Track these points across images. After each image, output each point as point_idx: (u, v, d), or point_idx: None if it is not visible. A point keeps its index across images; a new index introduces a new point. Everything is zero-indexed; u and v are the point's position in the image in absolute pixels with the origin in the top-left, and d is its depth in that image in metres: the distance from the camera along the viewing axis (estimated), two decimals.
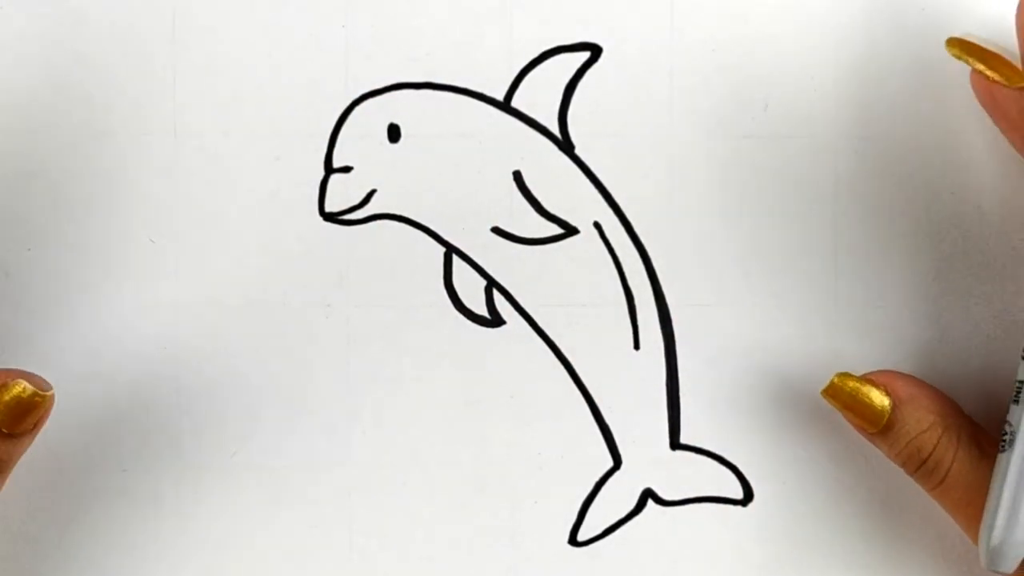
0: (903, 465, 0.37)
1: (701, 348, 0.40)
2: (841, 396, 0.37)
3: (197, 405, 0.39)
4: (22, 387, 0.35)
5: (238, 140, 0.39)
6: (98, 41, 0.38)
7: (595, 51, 0.39)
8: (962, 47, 0.35)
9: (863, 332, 0.39)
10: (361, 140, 0.39)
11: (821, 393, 0.37)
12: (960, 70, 0.38)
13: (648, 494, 0.40)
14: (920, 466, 0.37)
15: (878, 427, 0.37)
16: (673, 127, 0.39)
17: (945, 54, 0.36)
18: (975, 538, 0.36)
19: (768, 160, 0.39)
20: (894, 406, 0.37)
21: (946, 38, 0.36)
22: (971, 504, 0.36)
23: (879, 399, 0.37)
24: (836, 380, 0.37)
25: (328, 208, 0.39)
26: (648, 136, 0.39)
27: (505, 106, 0.39)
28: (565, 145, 0.39)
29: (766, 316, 0.40)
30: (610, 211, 0.39)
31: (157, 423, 0.39)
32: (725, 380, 0.40)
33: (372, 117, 0.39)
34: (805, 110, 0.39)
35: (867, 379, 0.37)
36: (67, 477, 0.39)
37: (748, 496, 0.40)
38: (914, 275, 0.39)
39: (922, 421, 0.37)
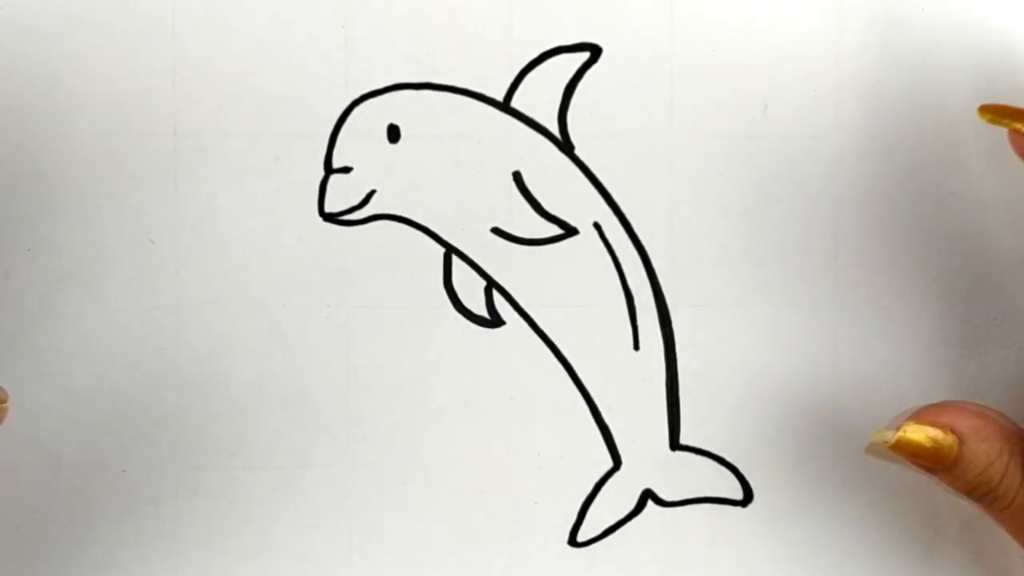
0: (968, 495, 0.35)
1: (701, 348, 0.40)
2: (908, 448, 0.35)
3: (197, 405, 0.39)
4: None
5: (238, 140, 0.39)
6: (98, 41, 0.38)
7: (595, 51, 0.39)
8: (995, 111, 0.35)
9: (863, 333, 0.39)
10: (361, 140, 0.39)
11: (891, 447, 0.35)
12: (959, 71, 0.38)
13: (648, 495, 0.40)
14: (986, 495, 0.35)
15: (945, 466, 0.35)
16: (673, 127, 0.39)
17: (945, 55, 0.36)
18: None
19: (768, 160, 0.39)
20: (959, 443, 0.35)
21: (978, 107, 0.35)
22: None
23: (946, 441, 0.35)
24: (902, 436, 0.35)
25: (328, 208, 0.39)
26: (648, 136, 0.39)
27: (505, 106, 0.39)
28: (565, 145, 0.39)
29: (766, 316, 0.40)
30: (610, 211, 0.39)
31: (157, 423, 0.39)
32: (725, 380, 0.40)
33: (372, 117, 0.39)
34: (805, 110, 0.39)
35: (929, 421, 0.35)
36: (67, 477, 0.39)
37: (748, 496, 0.40)
38: (914, 276, 0.39)
39: (989, 452, 0.35)
